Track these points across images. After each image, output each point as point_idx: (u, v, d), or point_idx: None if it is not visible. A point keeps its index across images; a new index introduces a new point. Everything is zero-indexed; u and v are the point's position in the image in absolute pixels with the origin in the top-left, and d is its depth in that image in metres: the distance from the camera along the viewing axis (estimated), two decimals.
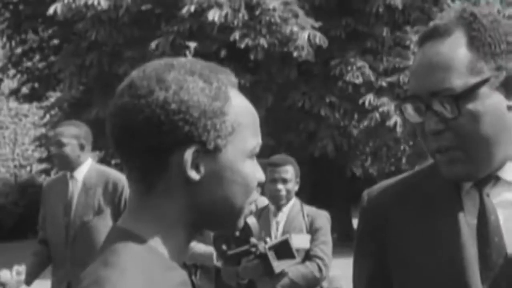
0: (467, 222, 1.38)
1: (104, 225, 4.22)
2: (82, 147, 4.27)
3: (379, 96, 12.51)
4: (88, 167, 4.32)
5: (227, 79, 1.14)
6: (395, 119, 12.32)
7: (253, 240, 3.53)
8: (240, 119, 1.12)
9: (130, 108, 1.08)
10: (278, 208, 3.92)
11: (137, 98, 1.08)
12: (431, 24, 1.40)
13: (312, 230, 3.90)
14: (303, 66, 12.56)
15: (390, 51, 13.01)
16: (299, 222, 3.91)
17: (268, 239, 3.71)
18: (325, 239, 3.93)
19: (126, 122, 1.08)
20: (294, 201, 3.97)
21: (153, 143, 1.07)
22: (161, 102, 1.07)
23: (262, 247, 3.55)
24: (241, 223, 1.17)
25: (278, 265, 3.58)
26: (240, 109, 1.13)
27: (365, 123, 12.62)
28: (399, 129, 12.39)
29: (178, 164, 1.08)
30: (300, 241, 3.80)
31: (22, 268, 4.17)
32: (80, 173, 4.29)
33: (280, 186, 3.84)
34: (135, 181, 1.12)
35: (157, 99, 1.07)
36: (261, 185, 1.20)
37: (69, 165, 4.26)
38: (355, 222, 15.37)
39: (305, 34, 11.62)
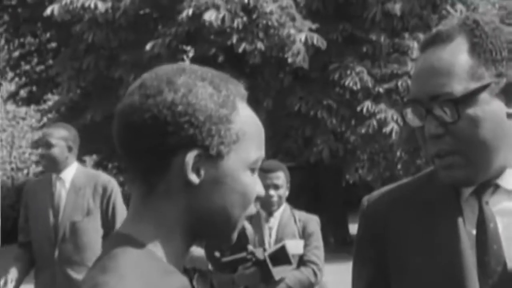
0: (466, 229, 1.38)
1: (92, 226, 4.26)
2: (70, 149, 4.30)
3: (377, 103, 12.51)
4: (75, 169, 4.35)
5: (237, 90, 1.14)
6: (392, 125, 12.33)
7: (250, 247, 3.52)
8: (245, 129, 1.12)
9: (138, 106, 1.09)
10: (270, 213, 3.91)
11: (145, 97, 1.09)
12: (434, 30, 1.41)
13: (305, 235, 3.91)
14: (301, 71, 12.57)
15: (388, 58, 13.02)
16: (291, 228, 3.91)
17: (267, 246, 3.71)
18: (317, 244, 3.95)
19: (133, 120, 1.09)
20: (285, 206, 3.97)
21: (157, 143, 1.08)
22: (169, 103, 1.08)
23: (260, 254, 3.54)
24: (235, 236, 1.17)
25: (277, 272, 3.57)
26: (246, 120, 1.14)
27: (363, 130, 12.62)
28: (394, 136, 12.39)
29: (180, 166, 1.08)
30: (294, 247, 3.81)
31: (13, 275, 4.17)
32: (68, 175, 4.32)
33: (272, 192, 3.83)
34: (137, 183, 1.12)
35: (165, 99, 1.08)
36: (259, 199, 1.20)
37: (57, 166, 4.28)
38: (351, 228, 15.40)
39: (302, 36, 11.63)
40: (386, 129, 12.35)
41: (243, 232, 3.30)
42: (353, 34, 12.83)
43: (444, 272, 1.37)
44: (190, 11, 11.44)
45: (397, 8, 12.39)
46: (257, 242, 3.72)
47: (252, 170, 1.15)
